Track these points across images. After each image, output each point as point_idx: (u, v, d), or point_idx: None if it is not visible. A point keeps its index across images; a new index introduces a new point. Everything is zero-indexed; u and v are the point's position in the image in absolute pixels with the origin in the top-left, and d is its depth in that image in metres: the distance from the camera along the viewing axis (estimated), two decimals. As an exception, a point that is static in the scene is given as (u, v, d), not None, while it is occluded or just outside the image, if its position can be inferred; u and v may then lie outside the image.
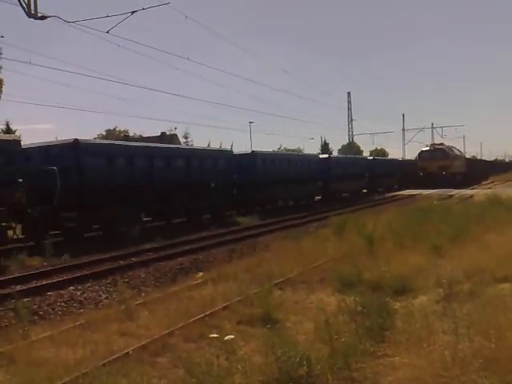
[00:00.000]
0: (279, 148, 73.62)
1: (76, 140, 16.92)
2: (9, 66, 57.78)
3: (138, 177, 18.76)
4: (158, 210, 20.24)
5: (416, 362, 5.01)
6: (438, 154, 49.07)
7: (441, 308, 7.01)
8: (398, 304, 7.19)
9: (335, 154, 66.75)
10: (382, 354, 5.49)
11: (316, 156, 38.12)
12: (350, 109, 67.61)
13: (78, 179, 16.45)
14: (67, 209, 16.20)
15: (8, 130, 40.75)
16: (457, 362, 4.86)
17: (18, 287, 9.83)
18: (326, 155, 40.94)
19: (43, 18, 14.79)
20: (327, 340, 5.32)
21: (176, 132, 52.38)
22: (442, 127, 70.08)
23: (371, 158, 50.32)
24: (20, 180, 14.62)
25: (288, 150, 70.71)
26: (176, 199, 20.53)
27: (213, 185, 23.33)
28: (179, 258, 13.44)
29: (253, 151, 28.45)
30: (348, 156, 46.88)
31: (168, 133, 49.74)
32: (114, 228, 17.64)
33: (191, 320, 7.16)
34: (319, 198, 35.33)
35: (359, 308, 6.50)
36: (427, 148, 51.86)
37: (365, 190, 43.19)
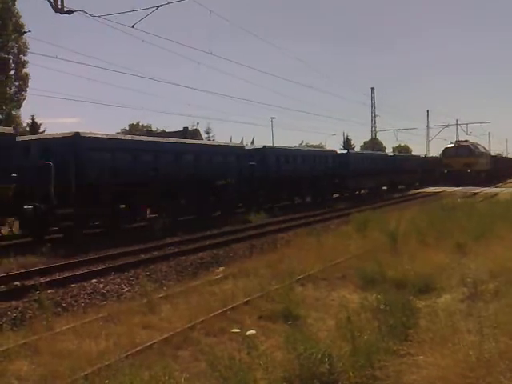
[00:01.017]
0: (301, 144, 73.38)
1: (264, 146, 26.38)
2: (35, 61, 58.55)
3: (300, 170, 28.45)
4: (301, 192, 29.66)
5: (440, 361, 4.94)
6: (462, 151, 48.40)
7: (465, 307, 6.91)
8: (422, 303, 7.11)
9: (357, 149, 67.11)
10: (405, 352, 5.42)
11: (386, 154, 46.63)
12: (373, 105, 67.02)
13: (265, 172, 24.77)
14: (260, 189, 24.73)
15: (33, 124, 41.35)
16: (482, 362, 4.77)
17: (42, 279, 9.96)
18: (392, 153, 49.40)
19: (69, 12, 14.91)
20: (349, 337, 5.28)
21: (198, 127, 52.69)
22: (466, 124, 69.24)
23: (423, 156, 57.20)
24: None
25: (310, 145, 70.39)
26: (309, 186, 29.31)
27: (324, 175, 31.01)
28: (200, 253, 13.48)
29: (348, 151, 38.11)
30: (408, 154, 57.34)
31: (190, 128, 50.07)
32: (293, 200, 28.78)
33: (212, 314, 7.18)
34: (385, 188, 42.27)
35: (382, 306, 6.43)
36: (452, 145, 51.18)
37: (417, 183, 48.69)
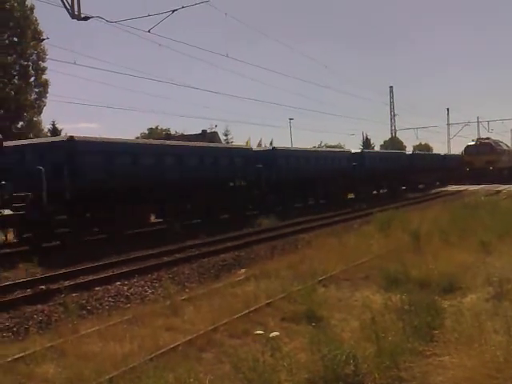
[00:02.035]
0: (319, 144, 73.19)
1: (362, 151, 36.14)
2: (54, 67, 59.40)
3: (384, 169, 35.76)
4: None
5: (467, 362, 4.86)
6: (484, 148, 47.75)
7: (491, 307, 6.79)
8: (447, 302, 7.01)
9: (377, 149, 66.91)
10: (430, 353, 5.36)
11: (439, 154, 54.17)
12: (392, 103, 66.47)
13: (362, 170, 31.97)
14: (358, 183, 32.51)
15: (54, 130, 41.93)
16: (510, 362, 4.68)
17: (67, 283, 10.08)
18: (443, 153, 56.27)
19: (86, 18, 15.06)
20: (373, 338, 5.23)
21: (216, 130, 52.91)
22: (488, 121, 68.16)
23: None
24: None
25: (329, 146, 70.10)
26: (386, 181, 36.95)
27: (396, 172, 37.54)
28: (222, 255, 13.52)
29: (413, 152, 47.78)
30: (454, 154, 61.32)
31: (209, 130, 50.27)
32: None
33: (235, 316, 7.18)
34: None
35: (406, 306, 6.36)
36: (473, 143, 50.53)
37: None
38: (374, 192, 36.08)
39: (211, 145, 23.69)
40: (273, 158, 25.08)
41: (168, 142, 21.31)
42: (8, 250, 14.28)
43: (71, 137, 15.52)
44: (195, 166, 19.80)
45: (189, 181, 19.08)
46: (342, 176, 30.29)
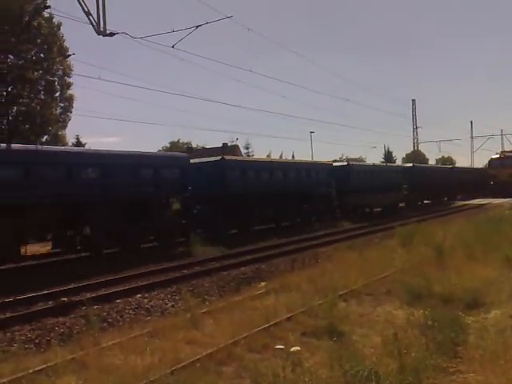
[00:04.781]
0: (341, 157, 72.93)
1: (347, 163, 35.91)
2: (79, 82, 60.50)
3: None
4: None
5: (492, 379, 4.76)
6: (508, 161, 47.14)
7: (517, 323, 6.65)
8: (471, 318, 6.89)
9: (399, 162, 66.51)
10: (454, 370, 5.26)
11: (446, 167, 55.04)
12: (414, 116, 66.19)
13: (349, 187, 29.15)
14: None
15: (78, 143, 42.60)
16: (537, 381, 4.57)
17: (88, 295, 10.16)
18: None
19: (111, 34, 15.31)
20: (396, 354, 5.15)
21: (237, 143, 53.16)
22: (512, 134, 67.34)
23: None
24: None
25: (350, 159, 69.81)
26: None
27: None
28: (241, 268, 13.51)
29: (413, 165, 45.77)
30: (466, 166, 62.91)
31: (230, 144, 50.55)
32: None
33: (255, 330, 7.14)
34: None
35: (429, 322, 6.26)
36: (497, 156, 49.94)
37: None
38: (367, 210, 32.37)
39: (125, 152, 17.72)
40: (220, 170, 20.97)
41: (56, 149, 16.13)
42: None
43: None
44: (93, 178, 15.43)
45: (82, 198, 14.93)
46: (317, 194, 26.07)
